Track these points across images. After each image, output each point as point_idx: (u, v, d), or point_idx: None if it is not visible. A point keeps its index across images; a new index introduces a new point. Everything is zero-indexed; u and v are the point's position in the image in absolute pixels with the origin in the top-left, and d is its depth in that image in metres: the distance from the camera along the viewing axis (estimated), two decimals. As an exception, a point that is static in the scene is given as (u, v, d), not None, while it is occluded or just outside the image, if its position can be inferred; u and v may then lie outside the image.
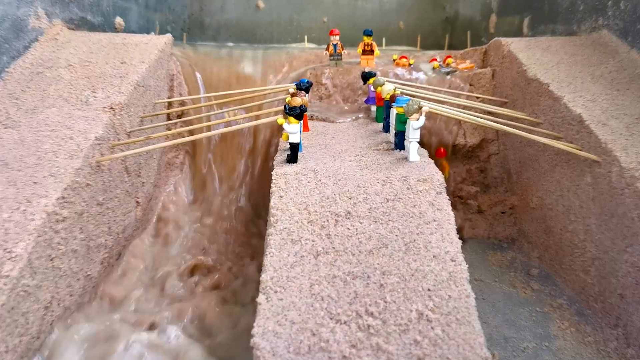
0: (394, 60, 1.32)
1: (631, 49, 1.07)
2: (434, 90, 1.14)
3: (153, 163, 1.10)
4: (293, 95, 0.97)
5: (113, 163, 0.87)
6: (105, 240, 0.85)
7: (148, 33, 1.62)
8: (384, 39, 1.76)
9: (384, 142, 0.97)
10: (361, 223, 0.71)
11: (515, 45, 1.20)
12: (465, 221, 1.18)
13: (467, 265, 0.64)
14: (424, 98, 1.02)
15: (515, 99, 1.15)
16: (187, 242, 1.07)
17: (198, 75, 1.26)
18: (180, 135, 1.03)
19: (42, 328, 0.67)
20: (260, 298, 0.60)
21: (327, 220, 0.71)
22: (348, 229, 0.70)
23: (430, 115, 1.11)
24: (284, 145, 0.94)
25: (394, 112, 0.91)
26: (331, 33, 1.26)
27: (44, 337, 0.68)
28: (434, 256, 0.65)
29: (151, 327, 0.79)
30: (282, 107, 0.84)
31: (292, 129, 0.82)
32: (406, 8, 2.31)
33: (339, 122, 1.14)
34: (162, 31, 1.80)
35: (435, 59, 1.34)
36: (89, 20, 1.28)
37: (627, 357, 0.75)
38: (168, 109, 1.18)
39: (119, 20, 1.44)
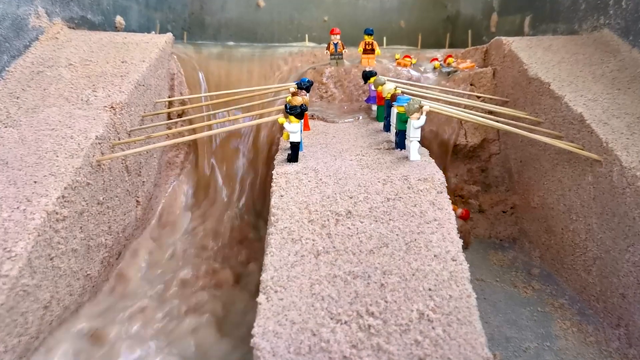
0: (397, 59, 1.32)
1: (633, 48, 1.07)
2: (434, 90, 1.14)
3: (153, 162, 1.10)
4: (294, 94, 0.97)
5: (113, 162, 0.87)
6: (105, 239, 0.85)
7: (148, 32, 1.62)
8: (384, 38, 1.76)
9: (385, 141, 0.96)
10: (362, 222, 0.71)
11: (516, 44, 1.20)
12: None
13: (468, 265, 0.64)
14: (424, 97, 1.02)
15: (516, 98, 1.15)
16: (187, 242, 1.07)
17: (200, 74, 1.26)
18: (181, 134, 1.03)
19: (42, 328, 0.67)
20: (261, 298, 0.60)
21: (328, 220, 0.71)
22: (349, 228, 0.70)
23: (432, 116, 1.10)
24: (284, 144, 0.94)
25: (394, 111, 0.90)
26: (332, 32, 1.26)
27: (43, 337, 0.68)
28: (434, 256, 0.65)
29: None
30: (282, 106, 0.84)
31: (293, 128, 0.82)
32: (407, 7, 2.31)
33: (340, 122, 1.14)
34: (163, 30, 1.80)
35: (436, 59, 1.34)
36: (90, 19, 1.28)
37: (629, 357, 0.75)
38: (168, 108, 1.18)
39: (119, 19, 1.44)
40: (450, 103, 1.05)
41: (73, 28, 1.19)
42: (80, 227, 0.75)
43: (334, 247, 0.67)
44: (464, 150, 1.23)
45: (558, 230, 0.97)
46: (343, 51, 1.28)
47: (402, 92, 0.95)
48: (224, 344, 0.78)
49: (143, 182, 1.02)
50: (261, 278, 0.62)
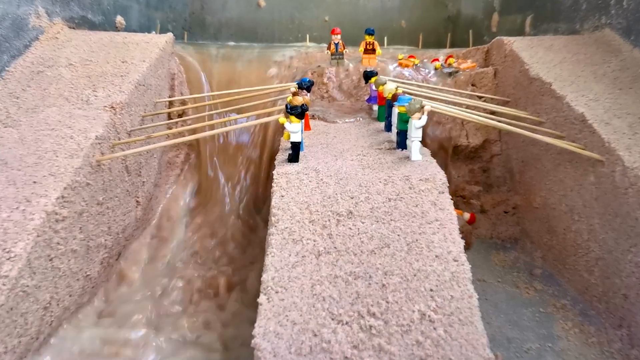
0: (399, 60, 1.31)
1: (634, 47, 1.06)
2: (436, 90, 1.14)
3: (153, 162, 1.10)
4: (295, 94, 0.97)
5: (113, 162, 0.86)
6: (105, 240, 0.84)
7: (149, 32, 1.62)
8: (385, 38, 1.75)
9: (386, 141, 0.96)
10: (363, 223, 0.70)
11: (517, 44, 1.20)
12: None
13: (470, 266, 0.64)
14: (426, 97, 1.02)
15: (517, 98, 1.14)
16: (187, 243, 1.07)
17: (201, 74, 1.26)
18: (181, 134, 1.02)
19: (41, 329, 0.67)
20: (262, 298, 0.59)
21: (329, 220, 0.71)
22: (350, 228, 0.69)
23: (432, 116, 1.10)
24: (285, 144, 0.93)
25: (395, 111, 0.90)
26: (333, 32, 1.26)
27: (43, 338, 0.68)
28: (436, 256, 0.65)
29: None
30: (283, 106, 0.84)
31: (294, 128, 0.82)
32: (408, 6, 2.30)
33: (341, 122, 1.14)
34: (163, 30, 1.80)
35: (437, 59, 1.34)
36: (90, 19, 1.27)
37: (631, 358, 0.74)
38: (169, 108, 1.17)
39: (119, 19, 1.44)
40: (452, 103, 1.05)
41: (73, 28, 1.19)
42: (80, 228, 0.75)
43: (335, 247, 0.66)
44: (465, 151, 1.22)
45: (560, 231, 0.96)
46: (344, 51, 1.28)
47: (404, 92, 0.95)
48: (224, 344, 0.78)
49: (143, 182, 1.02)
50: (262, 278, 0.62)
